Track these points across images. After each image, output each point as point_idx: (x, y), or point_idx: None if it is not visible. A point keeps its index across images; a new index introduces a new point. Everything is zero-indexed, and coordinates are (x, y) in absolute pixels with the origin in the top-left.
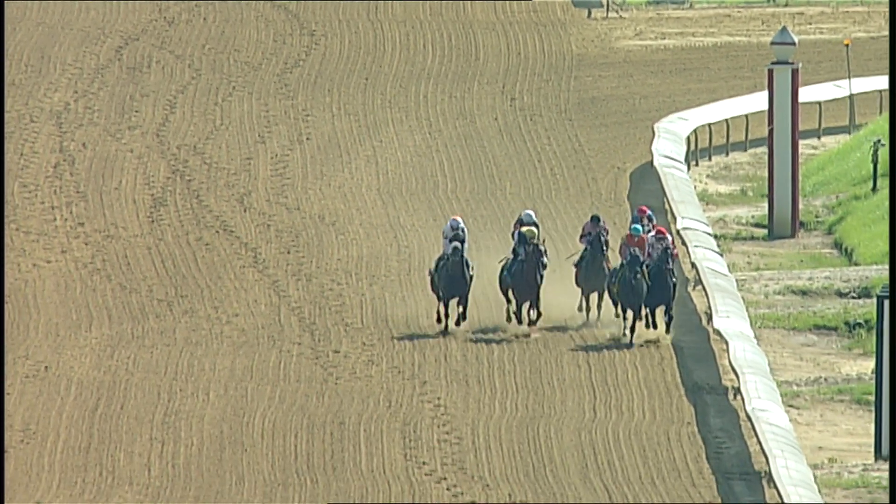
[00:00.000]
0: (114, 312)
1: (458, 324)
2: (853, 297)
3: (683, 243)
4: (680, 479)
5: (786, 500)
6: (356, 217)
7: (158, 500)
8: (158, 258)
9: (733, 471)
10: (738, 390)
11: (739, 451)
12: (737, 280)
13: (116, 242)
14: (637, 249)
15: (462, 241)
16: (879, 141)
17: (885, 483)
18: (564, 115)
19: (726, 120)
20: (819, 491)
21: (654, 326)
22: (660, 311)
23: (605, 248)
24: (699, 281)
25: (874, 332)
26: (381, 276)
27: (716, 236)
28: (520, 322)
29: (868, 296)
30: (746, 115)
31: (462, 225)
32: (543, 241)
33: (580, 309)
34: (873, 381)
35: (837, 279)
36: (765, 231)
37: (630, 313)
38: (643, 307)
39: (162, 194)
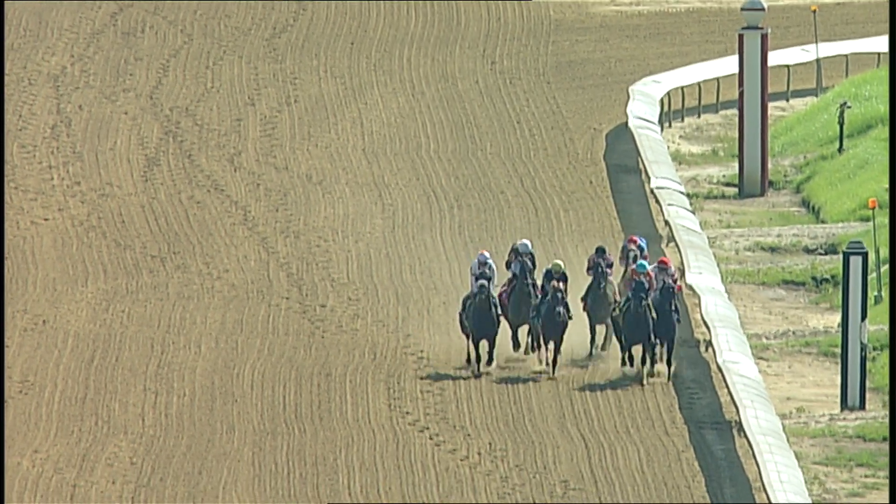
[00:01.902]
0: (109, 268)
1: (489, 363)
2: (820, 254)
3: (657, 202)
4: (654, 429)
5: (755, 449)
6: (342, 176)
7: (152, 448)
8: (152, 216)
9: (705, 420)
10: (709, 343)
11: (711, 402)
12: (708, 237)
13: (111, 201)
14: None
15: (489, 279)
16: (846, 103)
17: (851, 432)
18: (542, 78)
19: (698, 83)
20: (787, 440)
21: (654, 361)
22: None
23: (608, 279)
24: (672, 238)
25: (840, 286)
26: (366, 234)
27: (688, 195)
28: (547, 364)
29: (835, 252)
30: (718, 79)
31: (490, 261)
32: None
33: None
34: (839, 335)
35: (805, 236)
36: (735, 190)
37: (637, 348)
38: (650, 339)
39: (155, 154)
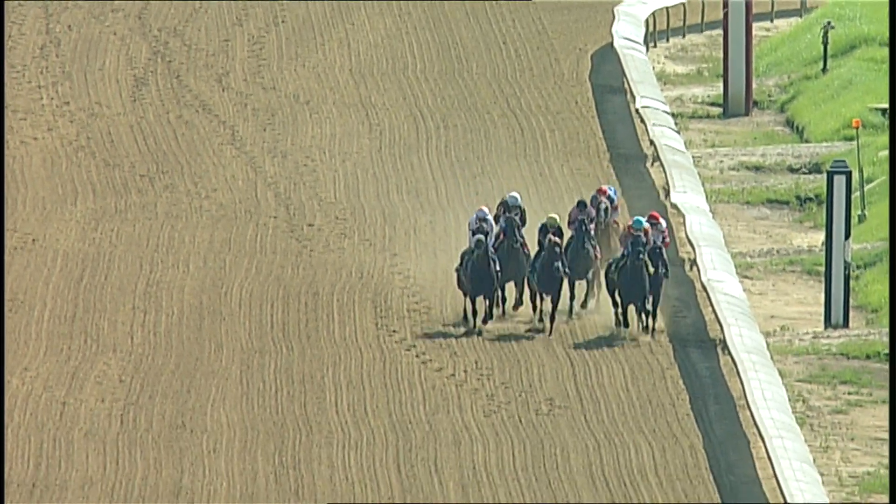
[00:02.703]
0: (98, 187)
1: (485, 321)
2: (804, 173)
3: (642, 121)
4: (639, 347)
5: (739, 367)
6: (329, 96)
7: (140, 366)
8: (140, 136)
9: (689, 338)
10: (694, 262)
11: (695, 320)
12: (693, 156)
13: (100, 120)
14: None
15: (486, 234)
16: (829, 23)
17: (835, 350)
18: None
19: (683, 3)
20: (771, 357)
21: (648, 317)
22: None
23: (590, 234)
24: (657, 157)
25: (824, 205)
26: (353, 153)
27: (673, 115)
28: (541, 320)
29: (818, 171)
30: None
31: (489, 216)
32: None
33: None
34: (823, 253)
35: (789, 155)
36: (720, 109)
37: (632, 306)
38: (647, 298)
39: (143, 74)
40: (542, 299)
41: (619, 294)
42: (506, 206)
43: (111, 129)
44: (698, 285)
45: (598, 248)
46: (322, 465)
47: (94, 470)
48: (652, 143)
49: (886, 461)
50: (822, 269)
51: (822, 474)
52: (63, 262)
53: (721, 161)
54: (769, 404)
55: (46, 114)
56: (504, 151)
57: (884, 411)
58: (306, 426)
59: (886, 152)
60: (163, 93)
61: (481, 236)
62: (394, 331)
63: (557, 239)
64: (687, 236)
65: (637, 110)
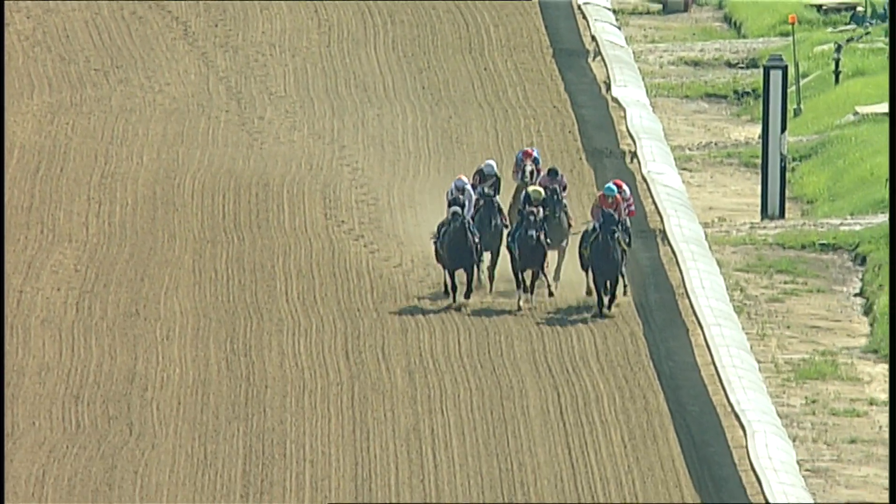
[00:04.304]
0: (54, 81)
1: (466, 296)
2: (741, 68)
3: (584, 17)
4: None
5: (679, 256)
6: None
7: (95, 255)
8: (95, 31)
9: (630, 229)
10: (634, 154)
11: (636, 211)
12: (633, 51)
13: (55, 16)
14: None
15: (463, 206)
16: None
17: (771, 240)
18: None
19: None
20: (710, 247)
21: (614, 294)
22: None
23: (562, 202)
24: (599, 52)
25: (761, 99)
26: (302, 48)
27: (614, 11)
28: (525, 291)
29: (755, 66)
30: None
31: (468, 187)
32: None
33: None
34: (760, 146)
35: (727, 51)
36: (660, 6)
37: (606, 283)
38: (620, 275)
39: None
40: (523, 271)
41: (592, 271)
42: (482, 175)
43: (66, 25)
44: (639, 177)
45: (570, 217)
46: (273, 351)
47: (51, 357)
48: (594, 38)
49: (821, 348)
50: (759, 161)
51: (758, 361)
52: (20, 155)
53: (661, 56)
54: (707, 293)
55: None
56: (449, 46)
57: (819, 300)
58: (257, 314)
59: (822, 47)
60: None
61: (457, 208)
62: (342, 221)
63: (536, 209)
64: (627, 129)
65: (579, 6)
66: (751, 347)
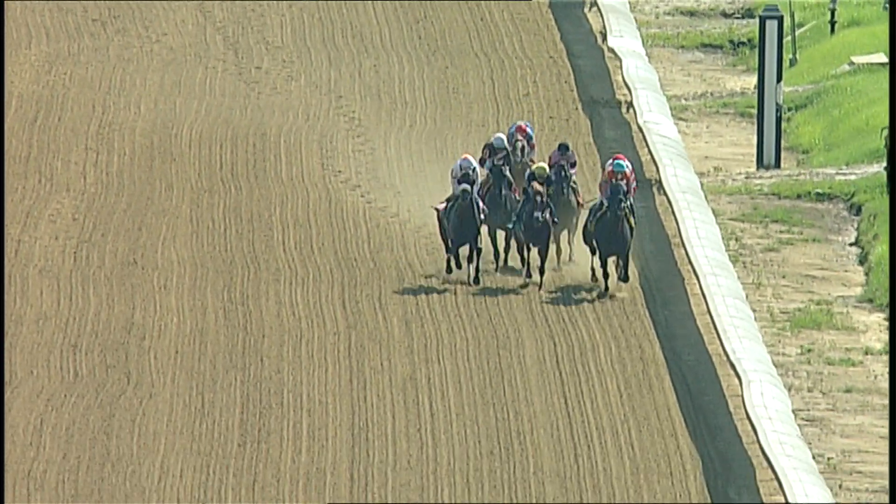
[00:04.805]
0: (51, 31)
1: (476, 281)
2: (737, 18)
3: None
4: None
5: (674, 206)
6: None
7: (93, 205)
8: None
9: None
10: (630, 104)
11: (631, 160)
12: (629, 2)
13: None
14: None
15: (472, 184)
16: None
17: (767, 190)
18: None
19: None
20: (705, 197)
21: (627, 274)
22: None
23: (570, 179)
24: (594, 3)
25: (756, 49)
26: None
27: None
28: (530, 276)
29: (751, 16)
30: None
31: (475, 165)
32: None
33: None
34: (755, 96)
35: (723, 1)
36: None
37: (610, 258)
38: (628, 250)
39: None
40: (528, 250)
41: (598, 246)
42: (491, 149)
43: None
44: (634, 127)
45: (579, 194)
46: (270, 300)
47: (49, 306)
48: None
49: (816, 297)
50: (755, 111)
51: (754, 310)
52: (18, 104)
53: (656, 6)
54: (703, 242)
55: None
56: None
57: (814, 249)
58: (254, 263)
59: None
60: None
61: (467, 185)
62: (339, 171)
63: (541, 187)
64: (623, 79)
65: None
66: (746, 297)
